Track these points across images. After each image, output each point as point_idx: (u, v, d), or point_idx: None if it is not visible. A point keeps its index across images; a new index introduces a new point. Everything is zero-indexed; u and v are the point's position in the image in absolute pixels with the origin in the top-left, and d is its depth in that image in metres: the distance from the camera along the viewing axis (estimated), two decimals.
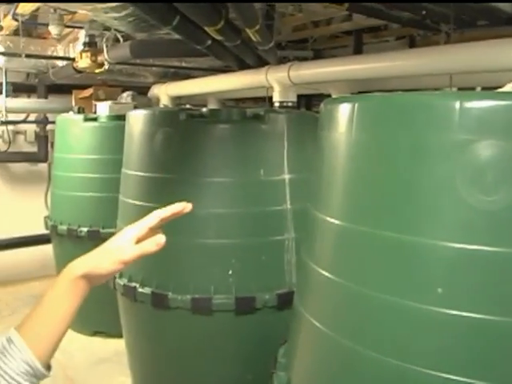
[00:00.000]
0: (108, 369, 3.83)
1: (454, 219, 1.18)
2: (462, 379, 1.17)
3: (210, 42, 2.92)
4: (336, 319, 1.43)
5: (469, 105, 1.16)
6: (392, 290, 1.27)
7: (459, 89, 3.21)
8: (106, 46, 3.92)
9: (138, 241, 1.05)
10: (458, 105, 1.16)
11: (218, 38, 2.74)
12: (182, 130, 2.64)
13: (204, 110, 2.73)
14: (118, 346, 3.83)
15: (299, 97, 4.63)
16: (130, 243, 1.04)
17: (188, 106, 3.64)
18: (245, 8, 2.24)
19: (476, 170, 1.15)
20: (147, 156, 2.75)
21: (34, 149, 6.37)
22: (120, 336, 3.93)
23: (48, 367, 0.97)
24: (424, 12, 3.19)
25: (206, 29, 2.53)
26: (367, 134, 1.36)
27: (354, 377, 1.38)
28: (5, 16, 4.05)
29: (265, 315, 2.60)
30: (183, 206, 1.10)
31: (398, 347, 1.27)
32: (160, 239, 1.04)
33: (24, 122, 7.09)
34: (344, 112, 1.40)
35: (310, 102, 6.64)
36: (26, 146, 6.58)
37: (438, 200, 1.20)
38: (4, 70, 6.13)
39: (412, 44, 4.73)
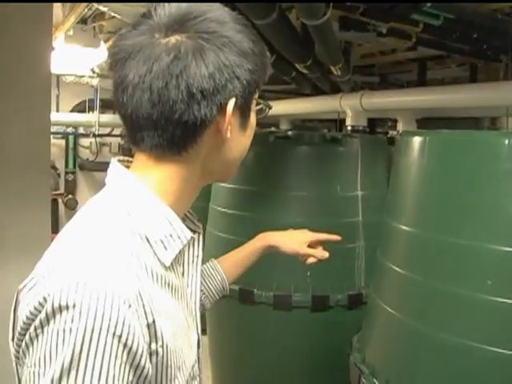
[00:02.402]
0: None
1: (501, 228, 1.54)
2: (508, 352, 1.50)
3: (294, 73, 3.28)
4: (406, 306, 1.77)
5: None
6: (451, 281, 1.61)
7: None
8: None
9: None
10: (506, 141, 1.53)
11: (304, 71, 3.10)
12: (270, 149, 2.99)
13: (289, 133, 3.06)
14: None
15: None
16: (305, 243, 1.43)
17: (273, 129, 3.99)
18: (333, 50, 2.61)
19: None
20: (238, 171, 3.10)
21: None
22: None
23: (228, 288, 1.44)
24: (485, 46, 3.44)
25: (296, 65, 2.90)
26: (435, 161, 1.73)
27: (420, 351, 1.71)
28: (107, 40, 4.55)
29: (336, 313, 2.85)
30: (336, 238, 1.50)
31: (455, 326, 1.60)
32: (325, 254, 1.43)
33: (110, 135, 7.66)
34: (418, 143, 1.78)
35: (374, 124, 6.86)
36: (110, 156, 7.16)
37: (489, 213, 1.55)
38: (98, 89, 6.70)
39: (473, 71, 4.88)
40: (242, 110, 0.86)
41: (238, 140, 0.88)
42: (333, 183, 2.93)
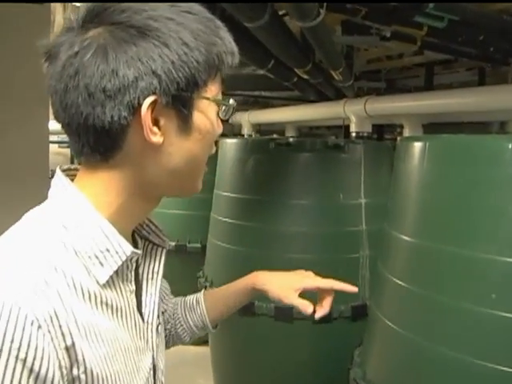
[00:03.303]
0: (188, 371, 4.00)
1: (505, 238, 1.45)
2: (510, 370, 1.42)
3: (296, 79, 3.25)
4: (407, 319, 1.69)
5: None
6: (454, 294, 1.53)
7: None
8: None
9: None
10: (510, 145, 1.45)
11: (305, 76, 3.06)
12: (271, 157, 2.94)
13: (290, 139, 3.01)
14: (197, 351, 4.06)
15: (372, 126, 4.87)
16: (296, 290, 1.18)
17: (275, 136, 3.96)
18: (331, 53, 2.57)
19: None
20: (239, 179, 3.10)
21: None
22: (199, 343, 4.22)
23: (215, 326, 1.28)
24: (492, 49, 3.39)
25: (296, 70, 2.86)
26: (436, 167, 1.65)
27: (422, 367, 1.63)
28: None
29: (340, 325, 2.78)
30: (350, 289, 1.23)
31: (459, 342, 1.52)
32: (308, 310, 1.14)
33: None
34: (417, 149, 1.70)
35: (381, 130, 6.81)
36: None
37: (492, 221, 1.47)
38: None
39: (481, 75, 4.84)
40: (178, 110, 0.76)
41: (179, 145, 0.78)
42: (335, 191, 2.89)
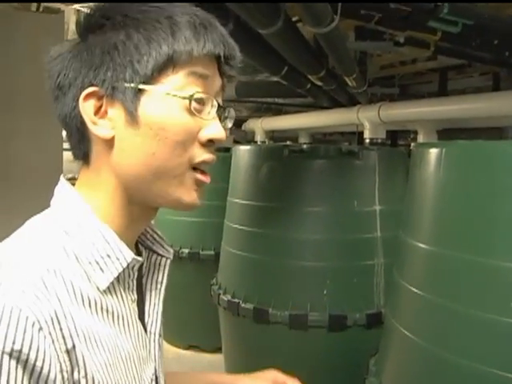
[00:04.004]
0: None
1: None
2: None
3: (309, 85, 3.24)
4: (424, 329, 1.66)
5: None
6: (472, 303, 1.50)
7: None
8: None
9: None
10: None
11: (318, 83, 3.05)
12: (285, 164, 2.93)
13: (304, 146, 3.00)
14: (210, 359, 4.08)
15: (386, 132, 4.85)
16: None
17: (289, 143, 3.95)
18: (345, 59, 2.55)
19: None
20: (252, 186, 3.09)
21: None
22: (212, 351, 4.20)
23: None
24: (507, 53, 3.35)
25: (309, 76, 2.85)
26: (453, 174, 1.63)
27: (440, 378, 1.60)
28: None
29: (354, 333, 2.77)
30: None
31: (477, 352, 1.49)
32: None
33: None
34: (434, 155, 1.68)
35: (395, 136, 6.78)
36: None
37: (510, 229, 1.45)
38: None
39: (496, 80, 4.81)
40: (121, 101, 0.74)
41: (130, 140, 0.74)
42: (349, 198, 2.87)
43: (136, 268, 0.81)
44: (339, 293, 2.77)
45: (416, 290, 1.70)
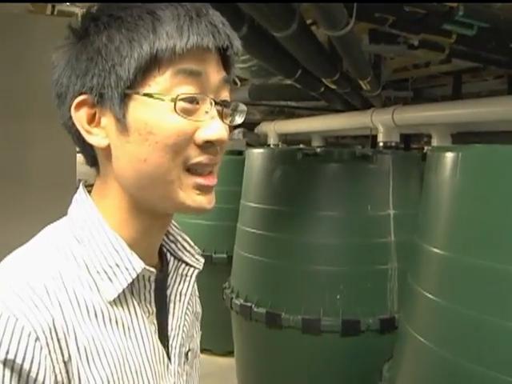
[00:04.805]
0: (213, 382, 3.95)
1: None
2: None
3: (323, 88, 3.23)
4: (439, 335, 1.64)
5: None
6: (488, 309, 1.47)
7: None
8: None
9: None
10: None
11: (332, 86, 3.03)
12: (299, 167, 2.92)
13: (318, 150, 2.98)
14: (222, 363, 4.05)
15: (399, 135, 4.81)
16: None
17: (302, 146, 3.93)
18: (360, 63, 2.54)
19: None
20: (266, 190, 3.08)
21: None
22: (224, 355, 4.19)
23: None
24: None
25: (323, 80, 2.84)
26: (469, 178, 1.61)
27: None
28: None
29: (367, 338, 2.75)
30: None
31: (493, 359, 1.46)
32: None
33: None
34: (449, 159, 1.66)
35: (408, 140, 6.74)
36: None
37: None
38: None
39: (511, 83, 4.78)
40: (111, 109, 0.70)
41: (122, 148, 0.71)
42: (363, 202, 2.86)
43: (152, 279, 0.77)
44: (352, 297, 2.75)
45: (431, 296, 1.68)
